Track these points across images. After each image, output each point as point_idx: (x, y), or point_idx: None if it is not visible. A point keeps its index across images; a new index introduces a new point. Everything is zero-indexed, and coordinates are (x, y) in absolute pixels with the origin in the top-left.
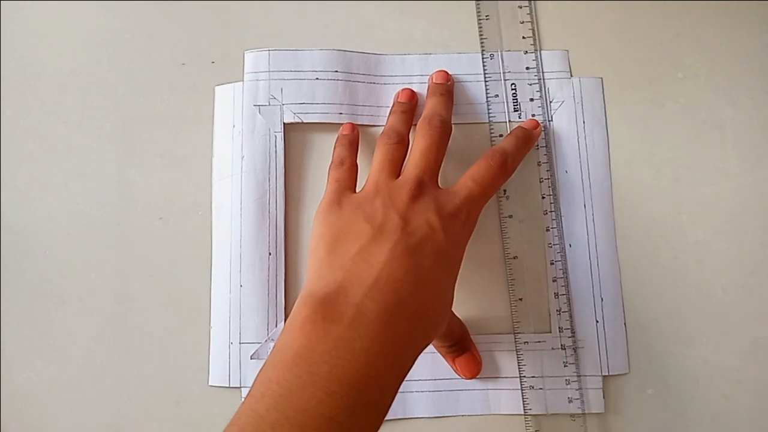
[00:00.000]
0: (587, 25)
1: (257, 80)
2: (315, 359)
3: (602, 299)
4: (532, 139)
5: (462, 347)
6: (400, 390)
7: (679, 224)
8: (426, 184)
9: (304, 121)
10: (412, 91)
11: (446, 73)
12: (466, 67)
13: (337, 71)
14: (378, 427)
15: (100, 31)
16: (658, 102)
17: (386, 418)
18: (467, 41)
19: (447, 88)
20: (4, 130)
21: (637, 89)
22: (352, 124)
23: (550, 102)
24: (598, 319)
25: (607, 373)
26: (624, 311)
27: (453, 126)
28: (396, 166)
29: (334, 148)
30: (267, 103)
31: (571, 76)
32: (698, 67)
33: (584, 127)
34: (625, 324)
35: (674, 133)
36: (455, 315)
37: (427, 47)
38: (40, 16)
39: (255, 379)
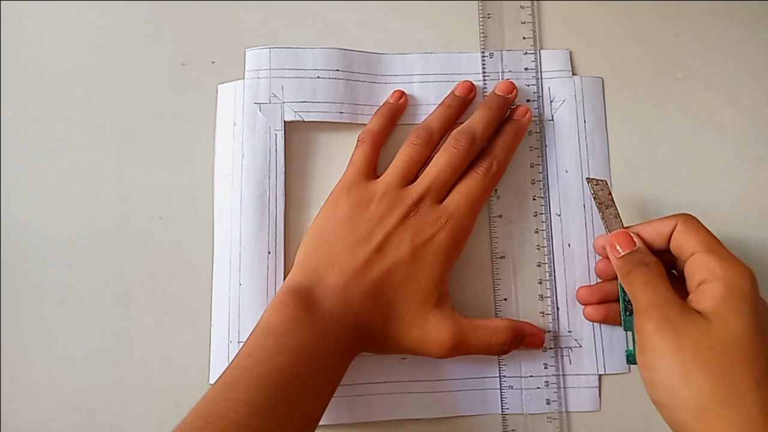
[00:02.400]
0: (588, 25)
1: (258, 78)
2: (287, 334)
3: None
4: (522, 131)
5: (514, 347)
6: (399, 392)
7: None
8: (425, 202)
9: (305, 119)
10: (472, 85)
11: (511, 84)
12: (466, 66)
13: (338, 70)
14: (331, 395)
15: (100, 31)
16: (658, 102)
17: (385, 419)
18: (467, 41)
19: (500, 102)
20: (4, 130)
21: (637, 89)
22: (403, 92)
23: (551, 101)
24: None
25: (603, 372)
26: None
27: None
28: (412, 171)
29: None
30: (268, 101)
31: (573, 75)
32: (698, 67)
33: (585, 126)
34: None
35: (674, 133)
36: (484, 331)
37: (427, 47)
38: (40, 16)
39: (243, 344)
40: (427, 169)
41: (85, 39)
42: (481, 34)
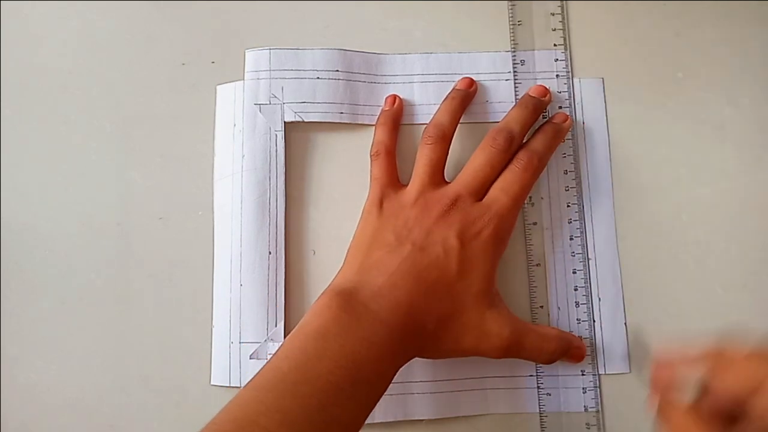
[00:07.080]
0: (587, 25)
1: (258, 79)
2: (328, 337)
3: (600, 299)
4: (561, 134)
5: (560, 357)
6: (399, 392)
7: (679, 224)
8: (463, 200)
9: (305, 120)
10: (472, 80)
11: (544, 88)
12: (466, 66)
13: (338, 71)
14: (374, 405)
15: (100, 31)
16: (658, 102)
17: (387, 420)
18: (467, 41)
19: (534, 102)
20: (4, 130)
21: (637, 89)
22: (395, 96)
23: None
24: (595, 319)
25: (604, 372)
26: (624, 311)
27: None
28: (437, 170)
29: (375, 127)
30: (268, 102)
31: (572, 76)
32: (698, 67)
33: (584, 128)
34: (625, 324)
35: (674, 133)
36: (536, 336)
37: (427, 47)
38: (40, 16)
39: (281, 345)
40: (464, 168)
41: (85, 39)
42: (512, 41)
